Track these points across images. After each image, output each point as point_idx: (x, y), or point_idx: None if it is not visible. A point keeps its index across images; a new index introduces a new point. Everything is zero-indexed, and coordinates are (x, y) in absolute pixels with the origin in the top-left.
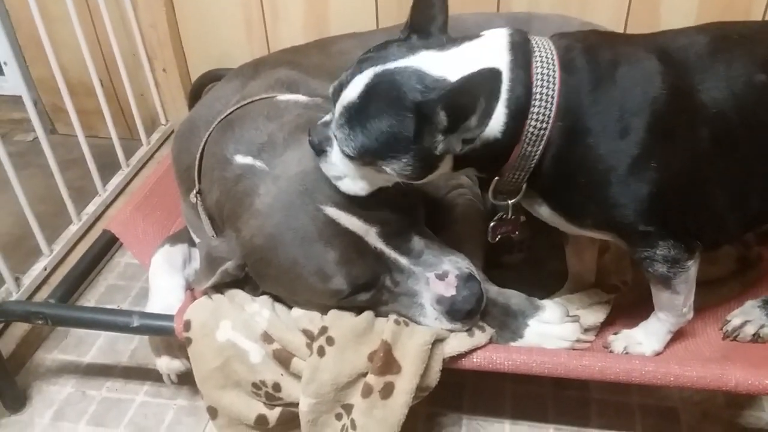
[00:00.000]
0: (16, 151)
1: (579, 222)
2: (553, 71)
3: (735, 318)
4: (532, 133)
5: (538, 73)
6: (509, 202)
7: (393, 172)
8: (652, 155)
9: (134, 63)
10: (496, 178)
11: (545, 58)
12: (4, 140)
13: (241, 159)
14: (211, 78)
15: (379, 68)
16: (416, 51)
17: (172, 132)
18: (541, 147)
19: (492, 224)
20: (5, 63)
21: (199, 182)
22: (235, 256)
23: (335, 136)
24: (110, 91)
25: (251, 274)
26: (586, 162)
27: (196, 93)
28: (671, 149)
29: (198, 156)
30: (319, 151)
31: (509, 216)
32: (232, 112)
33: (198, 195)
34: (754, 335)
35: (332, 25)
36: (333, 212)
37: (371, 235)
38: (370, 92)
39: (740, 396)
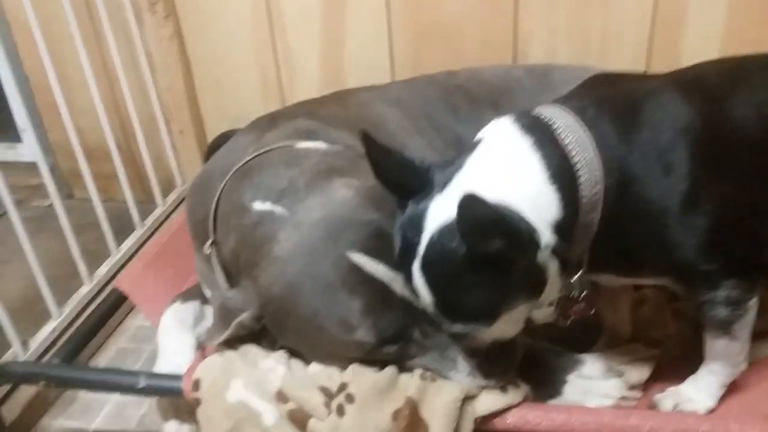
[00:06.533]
0: (33, 216)
1: (635, 273)
2: (583, 133)
3: None
4: (588, 199)
5: (569, 141)
6: (575, 278)
7: (519, 308)
8: (701, 186)
9: (151, 126)
10: None
11: (568, 124)
12: (22, 206)
13: (259, 205)
14: (227, 138)
15: (418, 262)
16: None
17: None
18: (599, 211)
19: (559, 304)
20: (24, 129)
21: (215, 233)
22: (252, 306)
23: (453, 336)
24: (127, 154)
25: (269, 327)
26: (639, 211)
27: (212, 153)
28: (718, 176)
29: (213, 206)
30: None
31: (578, 293)
32: (250, 160)
33: (213, 246)
34: None
35: (348, 83)
36: (357, 258)
37: (398, 283)
38: (439, 288)
39: None
